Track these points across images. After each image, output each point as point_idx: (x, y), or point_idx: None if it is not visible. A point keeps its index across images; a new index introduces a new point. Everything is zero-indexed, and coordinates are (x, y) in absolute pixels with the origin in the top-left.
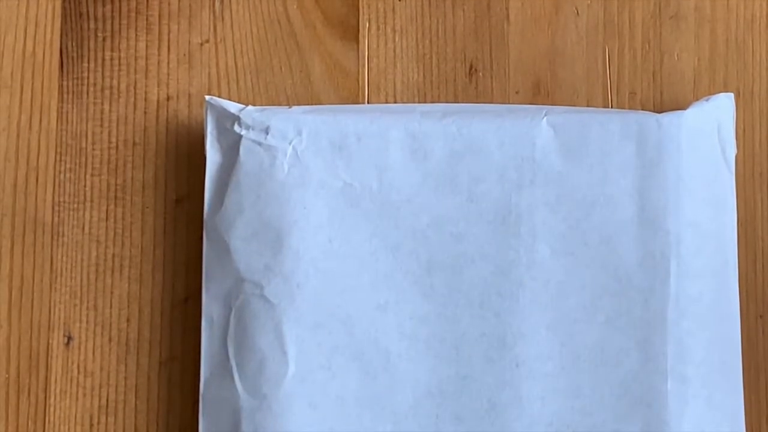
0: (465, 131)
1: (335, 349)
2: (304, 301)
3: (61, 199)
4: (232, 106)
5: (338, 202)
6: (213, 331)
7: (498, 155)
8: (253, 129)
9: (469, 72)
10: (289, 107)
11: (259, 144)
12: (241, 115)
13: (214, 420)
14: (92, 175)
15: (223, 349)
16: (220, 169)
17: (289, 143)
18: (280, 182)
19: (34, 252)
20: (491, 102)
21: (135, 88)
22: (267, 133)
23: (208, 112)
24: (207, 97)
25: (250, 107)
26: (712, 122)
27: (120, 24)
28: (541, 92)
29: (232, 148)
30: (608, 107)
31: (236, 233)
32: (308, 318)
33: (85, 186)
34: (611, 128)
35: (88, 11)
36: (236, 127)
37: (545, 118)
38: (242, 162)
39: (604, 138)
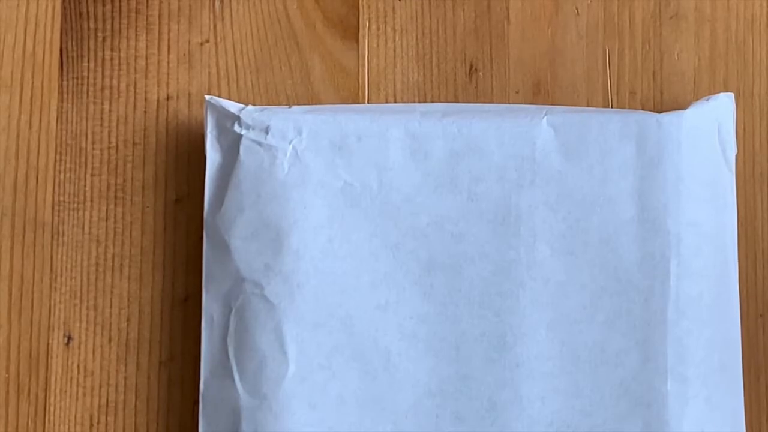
0: (465, 131)
1: (335, 349)
2: (304, 300)
3: (61, 199)
4: (232, 106)
5: (338, 201)
6: (213, 331)
7: (498, 155)
8: (253, 129)
9: (469, 72)
10: (289, 107)
11: (259, 144)
12: (241, 115)
13: (214, 420)
14: (92, 175)
15: (223, 348)
16: (220, 168)
17: (289, 143)
18: (280, 182)
19: (34, 252)
20: (491, 102)
21: (135, 87)
22: (267, 133)
23: (208, 111)
24: (207, 97)
25: (250, 107)
26: (712, 122)
27: (120, 24)
28: (541, 92)
29: (232, 147)
30: (608, 107)
31: (236, 233)
32: (308, 318)
33: (85, 186)
34: (611, 128)
35: (88, 11)
36: (236, 127)
37: (545, 117)
38: (242, 162)
39: (604, 138)
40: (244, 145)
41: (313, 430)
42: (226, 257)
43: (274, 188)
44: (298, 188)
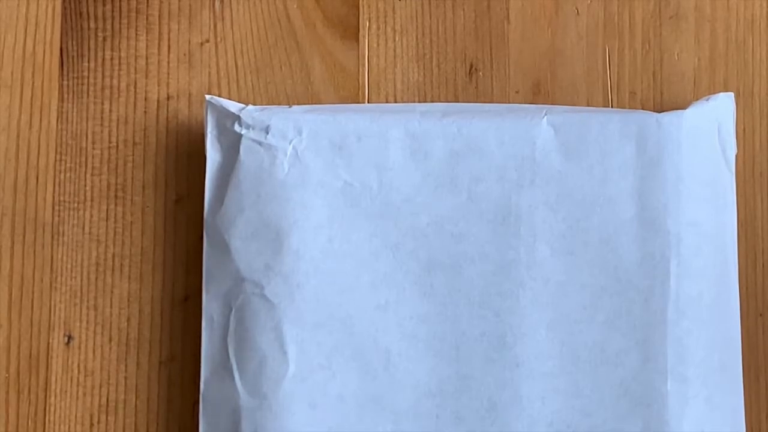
0: (465, 131)
1: (335, 349)
2: (304, 300)
3: (61, 199)
4: (233, 106)
5: (338, 201)
6: (213, 331)
7: (498, 155)
8: (253, 128)
9: (469, 72)
10: (290, 107)
11: (260, 143)
12: (241, 115)
13: (214, 420)
14: (92, 175)
15: (223, 348)
16: (220, 168)
17: (289, 143)
18: (280, 182)
19: (34, 252)
20: (491, 102)
21: (135, 87)
22: (267, 133)
23: (209, 111)
24: (207, 97)
25: (250, 107)
26: (712, 122)
27: (120, 23)
28: (541, 92)
29: (232, 147)
30: (608, 107)
31: (236, 233)
32: (308, 318)
33: (85, 186)
34: (611, 128)
35: (88, 11)
36: (236, 127)
37: (545, 117)
38: (242, 161)
39: (604, 138)
40: (244, 144)
41: (312, 430)
42: (226, 257)
43: (274, 188)
44: (298, 188)
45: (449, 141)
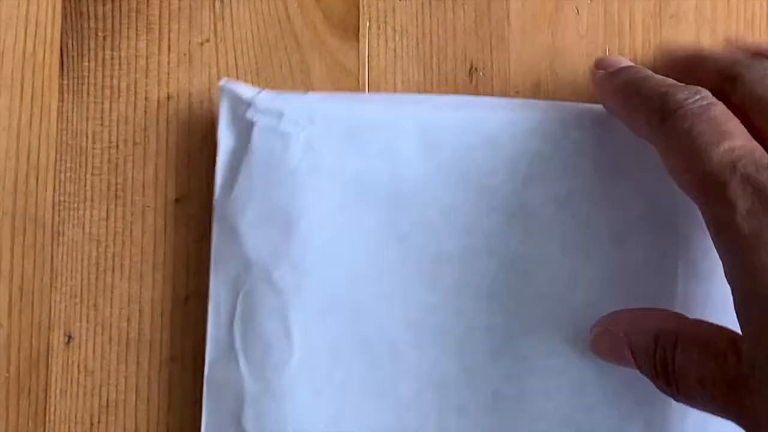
0: (478, 124)
1: (341, 337)
2: (311, 287)
3: (61, 199)
4: (247, 91)
5: (349, 190)
6: (220, 316)
7: (510, 149)
8: (266, 114)
9: (470, 72)
10: (305, 93)
11: (273, 129)
12: (254, 101)
13: (217, 402)
14: (92, 175)
15: (230, 333)
16: (232, 153)
17: (303, 130)
18: (292, 168)
19: (34, 251)
20: None
21: (135, 87)
22: (280, 119)
23: (222, 96)
24: (221, 81)
25: (264, 92)
26: None
27: (120, 23)
28: (541, 92)
29: (244, 132)
30: None
31: (246, 218)
32: (315, 305)
33: (85, 185)
34: (622, 126)
35: (88, 10)
36: (249, 112)
37: (557, 113)
38: (254, 147)
39: (615, 135)
40: (256, 130)
41: (315, 416)
42: (234, 242)
43: (285, 174)
44: (309, 175)
45: (462, 134)
